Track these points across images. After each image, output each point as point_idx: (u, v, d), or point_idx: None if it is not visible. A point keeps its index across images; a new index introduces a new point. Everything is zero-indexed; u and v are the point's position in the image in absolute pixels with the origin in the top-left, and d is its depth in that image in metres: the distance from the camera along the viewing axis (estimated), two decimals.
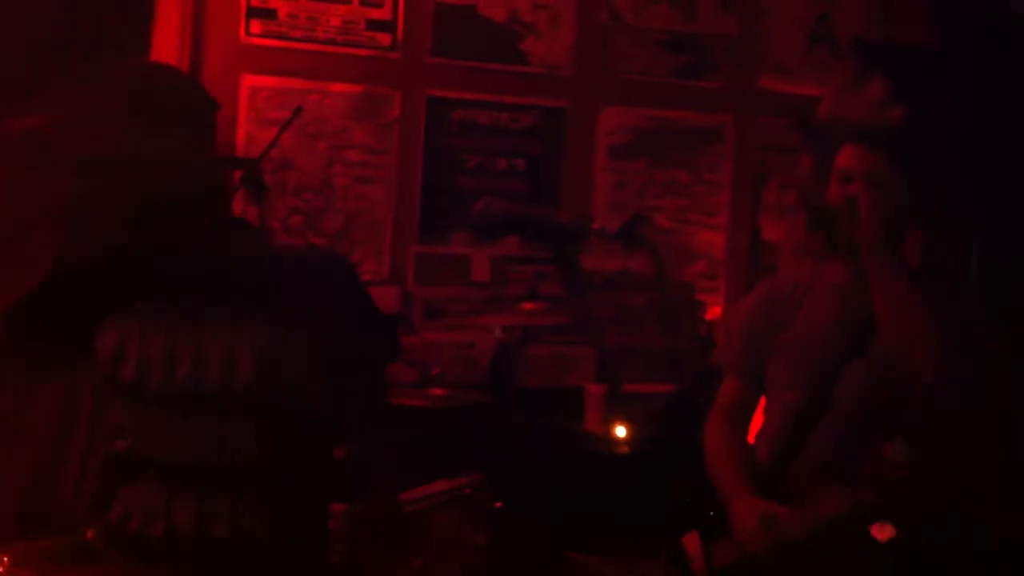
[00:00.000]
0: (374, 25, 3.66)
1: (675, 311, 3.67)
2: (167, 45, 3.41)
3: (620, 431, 3.19)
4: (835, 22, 3.98)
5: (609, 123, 3.84)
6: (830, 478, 2.03)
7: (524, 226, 3.48)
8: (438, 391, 3.32)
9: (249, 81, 3.57)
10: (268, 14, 3.59)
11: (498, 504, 2.75)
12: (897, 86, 2.94)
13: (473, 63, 3.75)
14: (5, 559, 2.53)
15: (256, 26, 3.59)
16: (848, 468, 1.99)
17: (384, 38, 3.67)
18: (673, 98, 3.88)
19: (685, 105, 3.89)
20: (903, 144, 2.36)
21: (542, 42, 3.78)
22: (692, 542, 2.18)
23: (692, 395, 3.28)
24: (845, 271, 2.20)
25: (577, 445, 3.26)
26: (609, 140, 3.84)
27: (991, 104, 4.01)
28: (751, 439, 2.35)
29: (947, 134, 4.12)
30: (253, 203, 1.99)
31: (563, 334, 3.58)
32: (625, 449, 3.22)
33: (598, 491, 3.08)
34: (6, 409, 3.29)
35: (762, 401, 2.37)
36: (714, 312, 3.76)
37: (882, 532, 1.94)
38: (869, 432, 1.99)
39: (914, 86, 3.01)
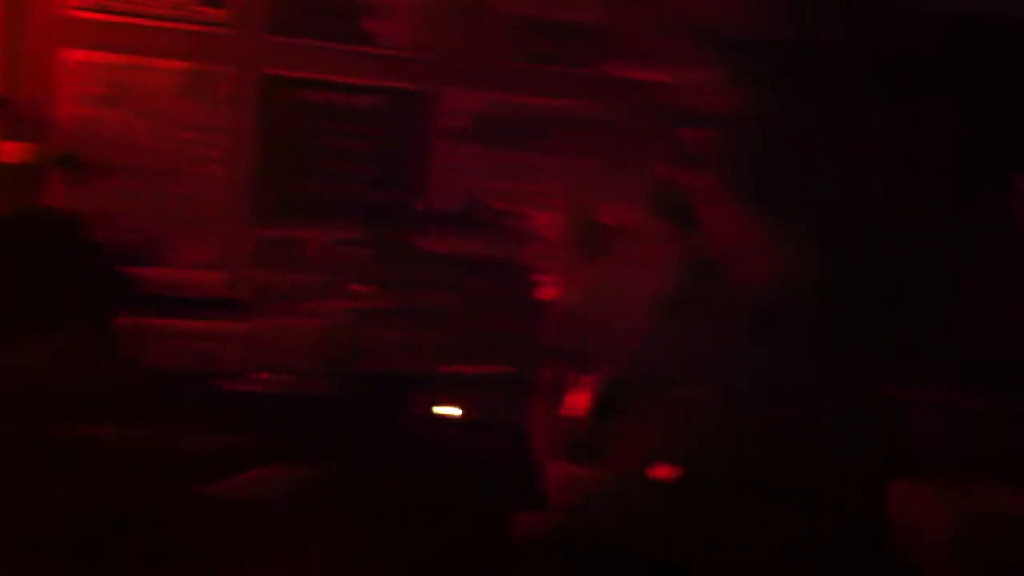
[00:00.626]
0: (207, 0, 3.56)
1: (515, 294, 3.66)
2: None
3: (453, 411, 3.18)
4: (686, 12, 4.03)
5: (455, 106, 3.80)
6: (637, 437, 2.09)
7: (365, 207, 3.45)
8: (273, 377, 3.25)
9: (70, 55, 3.43)
10: None
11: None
12: (743, 75, 2.98)
13: (315, 41, 3.67)
14: None
15: None
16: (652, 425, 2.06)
17: (217, 13, 3.56)
18: (521, 83, 3.87)
19: (531, 90, 3.88)
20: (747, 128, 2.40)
21: (386, 21, 3.72)
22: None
23: (532, 376, 3.28)
24: (670, 250, 2.23)
25: (417, 429, 3.23)
26: (454, 123, 3.80)
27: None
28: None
29: (790, 120, 4.18)
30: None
31: (403, 318, 3.54)
32: (466, 431, 3.21)
33: (438, 474, 3.06)
34: None
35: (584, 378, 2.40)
36: (553, 294, 3.76)
37: (666, 472, 2.02)
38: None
39: (762, 75, 3.05)
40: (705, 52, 3.36)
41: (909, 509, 2.49)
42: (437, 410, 3.21)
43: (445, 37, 3.82)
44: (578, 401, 2.33)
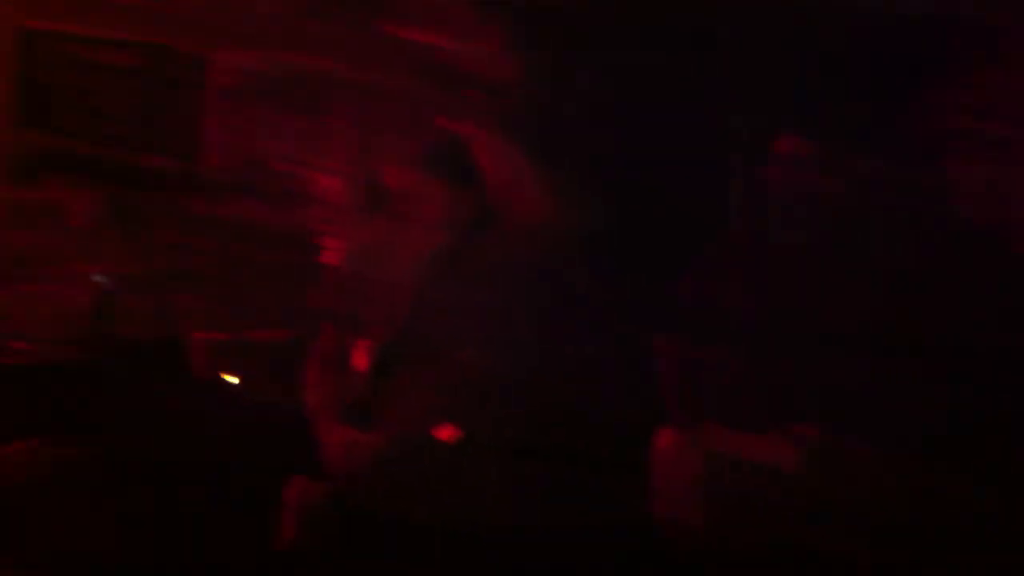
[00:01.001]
0: None
1: (295, 259, 3.56)
2: None
3: (232, 380, 3.07)
4: None
5: (222, 64, 3.65)
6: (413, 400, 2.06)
7: (130, 168, 3.29)
8: (25, 346, 3.06)
9: None
10: None
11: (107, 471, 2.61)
12: (519, 39, 2.96)
13: None
14: None
15: None
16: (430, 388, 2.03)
17: None
18: (292, 41, 3.75)
19: (304, 48, 3.77)
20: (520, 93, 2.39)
21: None
22: None
23: (310, 341, 3.21)
24: (439, 206, 2.20)
25: (187, 397, 3.11)
26: (222, 81, 3.65)
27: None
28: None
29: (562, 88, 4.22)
30: None
31: (169, 283, 3.39)
32: (239, 398, 3.10)
33: (214, 443, 2.96)
34: None
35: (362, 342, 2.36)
36: (336, 259, 3.68)
37: (447, 434, 2.01)
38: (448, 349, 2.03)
39: (543, 38, 3.03)
40: (484, 14, 3.35)
41: (663, 455, 2.61)
42: (208, 378, 3.09)
43: None
44: (355, 365, 2.27)
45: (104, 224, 3.39)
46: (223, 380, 3.11)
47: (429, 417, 2.06)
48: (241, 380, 3.09)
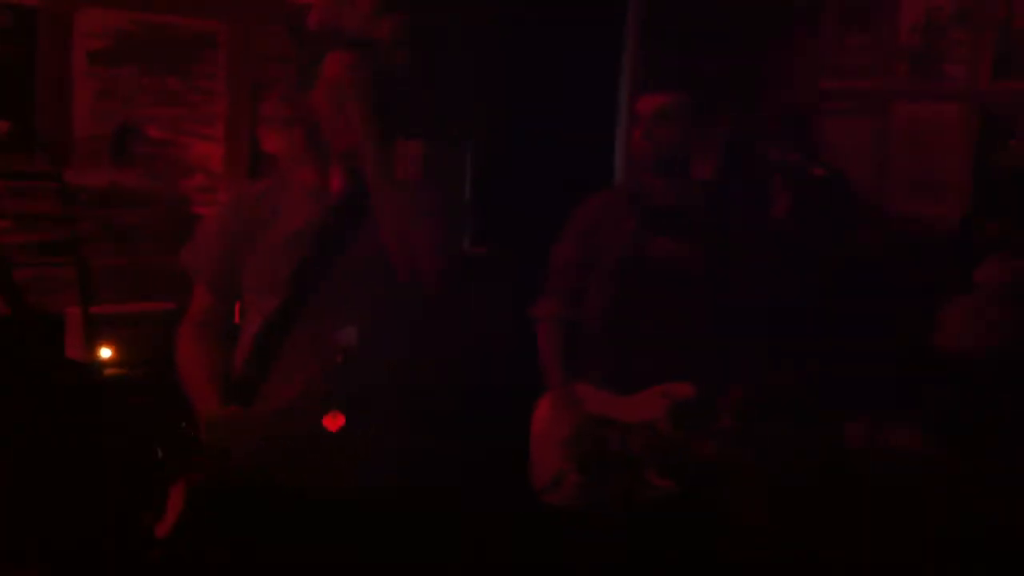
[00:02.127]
0: None
1: (171, 227, 3.49)
2: None
3: (105, 353, 3.00)
4: None
5: (89, 25, 3.53)
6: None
7: None
8: None
9: None
10: None
11: None
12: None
13: None
14: None
15: None
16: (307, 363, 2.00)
17: None
18: (161, 1, 3.65)
19: (174, 9, 3.67)
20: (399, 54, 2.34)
21: None
22: None
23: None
24: (317, 173, 2.17)
25: (57, 374, 3.02)
26: (90, 44, 3.53)
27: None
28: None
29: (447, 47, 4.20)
30: None
31: (43, 254, 3.29)
32: (114, 372, 3.04)
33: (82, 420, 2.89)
34: None
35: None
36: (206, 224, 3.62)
37: (333, 422, 1.98)
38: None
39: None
40: None
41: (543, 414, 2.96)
42: (84, 352, 3.01)
43: None
44: (242, 336, 2.23)
45: None
46: (95, 353, 3.03)
47: (306, 393, 2.04)
48: (117, 353, 3.02)
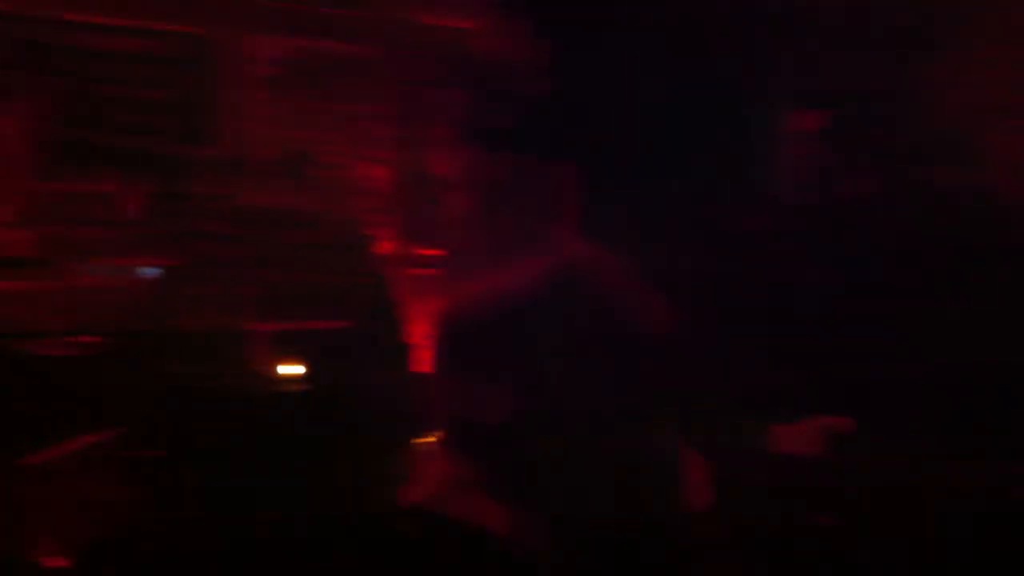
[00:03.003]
0: None
1: (343, 247, 3.57)
2: None
3: (288, 370, 3.07)
4: None
5: (261, 52, 3.65)
6: None
7: (179, 158, 3.28)
8: (86, 339, 3.05)
9: None
10: None
11: (157, 454, 2.60)
12: (546, 23, 2.95)
13: None
14: None
15: None
16: None
17: None
18: (324, 27, 3.76)
19: (339, 35, 3.77)
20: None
21: None
22: None
23: (364, 331, 3.23)
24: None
25: (240, 388, 3.10)
26: (263, 71, 3.65)
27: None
28: None
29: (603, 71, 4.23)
30: None
31: (222, 273, 3.39)
32: (294, 388, 3.11)
33: (271, 433, 2.96)
34: None
35: None
36: (384, 248, 3.69)
37: None
38: None
39: (567, 24, 3.02)
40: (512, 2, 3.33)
41: None
42: (269, 368, 3.10)
43: None
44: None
45: (153, 216, 3.39)
46: (277, 370, 3.11)
47: None
48: (299, 371, 3.09)
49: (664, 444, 3.03)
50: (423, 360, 3.45)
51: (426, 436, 2.62)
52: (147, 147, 3.48)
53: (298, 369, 3.05)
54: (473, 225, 3.59)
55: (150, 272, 3.34)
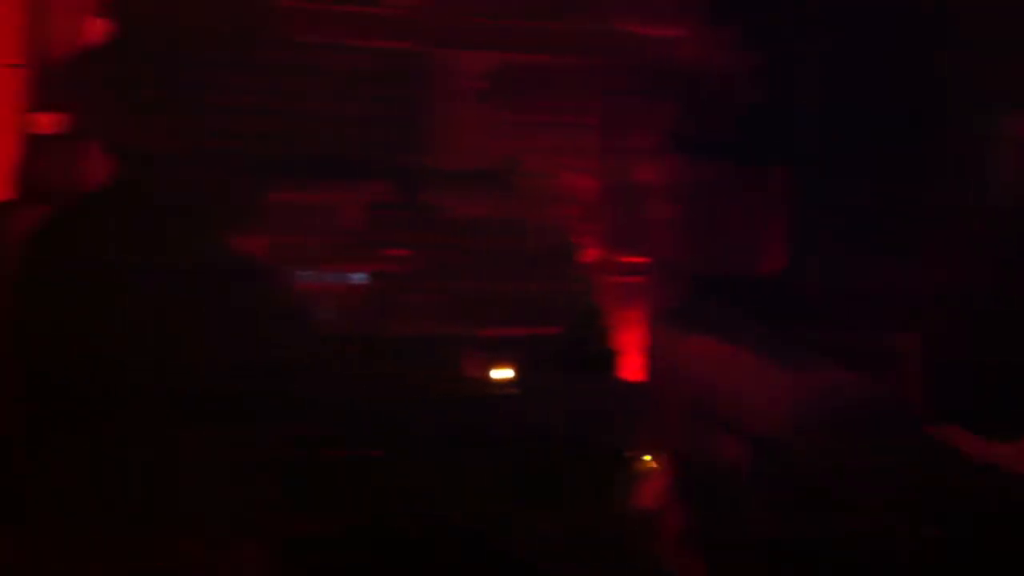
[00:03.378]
0: None
1: (549, 255, 3.63)
2: None
3: (501, 374, 3.14)
4: None
5: (472, 67, 3.76)
6: None
7: (393, 169, 3.40)
8: (308, 343, 3.19)
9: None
10: None
11: (378, 453, 2.70)
12: (754, 29, 2.93)
13: (325, 6, 3.63)
14: None
15: None
16: None
17: None
18: (533, 41, 3.83)
19: (545, 48, 3.84)
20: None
21: None
22: None
23: (571, 338, 3.27)
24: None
25: (450, 392, 3.20)
26: (472, 84, 3.76)
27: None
28: None
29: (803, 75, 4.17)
30: None
31: (436, 280, 3.51)
32: (503, 393, 3.18)
33: (478, 438, 3.04)
34: None
35: None
36: (589, 256, 3.74)
37: None
38: None
39: (773, 30, 3.00)
40: (717, 4, 3.32)
41: None
42: (481, 374, 3.18)
43: None
44: None
45: (371, 224, 3.52)
46: (486, 375, 3.19)
47: None
48: (507, 376, 3.16)
49: None
50: (629, 367, 3.49)
51: (636, 444, 2.64)
52: (364, 160, 3.62)
53: (507, 374, 3.13)
54: (680, 231, 3.60)
55: (365, 279, 3.47)
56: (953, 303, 2.87)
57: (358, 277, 3.46)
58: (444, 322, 3.38)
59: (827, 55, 4.24)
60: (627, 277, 3.87)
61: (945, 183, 4.38)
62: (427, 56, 3.74)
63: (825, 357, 2.21)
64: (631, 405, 3.02)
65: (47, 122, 3.10)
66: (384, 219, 3.57)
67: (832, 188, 4.22)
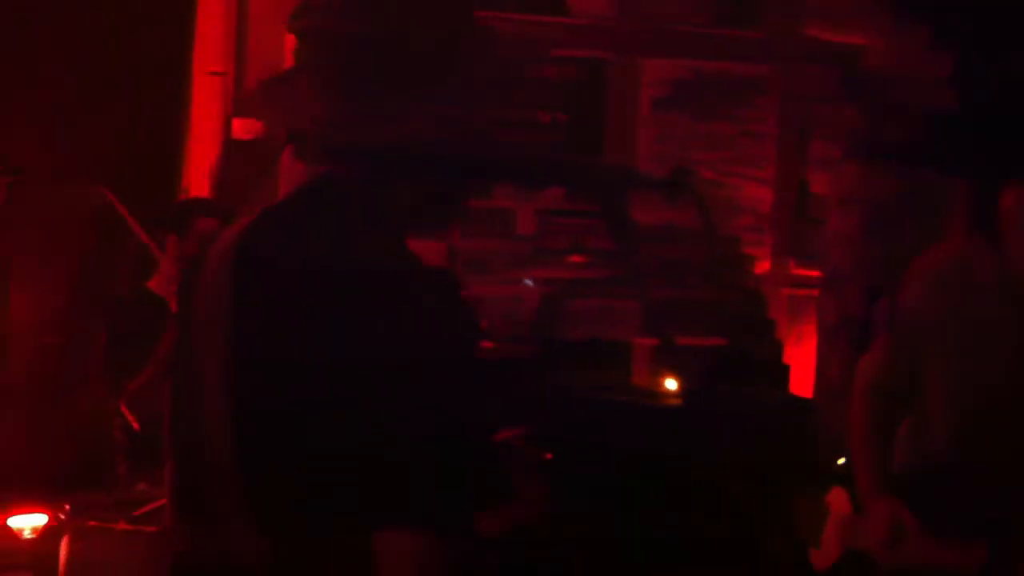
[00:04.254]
0: None
1: (721, 264, 3.63)
2: None
3: (670, 384, 3.16)
4: None
5: (651, 75, 3.79)
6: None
7: (570, 176, 3.44)
8: (486, 344, 3.28)
9: None
10: None
11: (548, 456, 2.74)
12: (944, 35, 2.86)
13: (515, 15, 3.71)
14: (66, 507, 2.57)
15: None
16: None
17: None
18: (715, 48, 3.83)
19: (728, 55, 3.84)
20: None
21: None
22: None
23: (740, 349, 3.26)
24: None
25: (625, 399, 3.22)
26: (651, 92, 3.79)
27: None
28: None
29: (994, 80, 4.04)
30: None
31: (608, 287, 3.55)
32: (675, 402, 3.19)
33: (648, 444, 3.05)
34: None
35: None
36: (761, 266, 3.73)
37: None
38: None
39: (963, 35, 2.92)
40: (907, 10, 3.25)
41: None
42: (649, 380, 3.21)
43: (643, 5, 3.81)
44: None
45: (554, 231, 3.59)
46: (658, 383, 3.20)
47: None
48: (679, 385, 3.18)
49: None
50: (801, 382, 3.46)
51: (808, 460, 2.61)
52: (543, 166, 3.68)
53: (673, 384, 3.14)
54: (858, 243, 3.54)
55: (539, 284, 3.53)
56: None
57: (536, 282, 3.52)
58: (615, 329, 3.42)
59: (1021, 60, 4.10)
60: (800, 289, 3.84)
61: None
62: (613, 64, 3.79)
63: None
64: (802, 420, 2.99)
65: (246, 128, 3.28)
66: (563, 226, 3.63)
67: None
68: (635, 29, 3.86)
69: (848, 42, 3.74)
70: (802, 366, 3.53)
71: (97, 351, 2.66)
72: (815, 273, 3.63)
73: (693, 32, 3.86)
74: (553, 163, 3.58)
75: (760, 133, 3.87)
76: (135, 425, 2.56)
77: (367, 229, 1.25)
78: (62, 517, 2.71)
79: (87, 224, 3.40)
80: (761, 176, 3.87)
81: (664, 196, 3.73)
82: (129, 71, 3.42)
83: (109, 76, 3.37)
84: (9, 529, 3.01)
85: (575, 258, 3.38)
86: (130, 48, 3.40)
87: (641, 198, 3.66)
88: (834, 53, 3.84)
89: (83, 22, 3.37)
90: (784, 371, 3.28)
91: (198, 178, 3.39)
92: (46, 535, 2.94)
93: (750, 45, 3.87)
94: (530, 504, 2.11)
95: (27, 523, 2.99)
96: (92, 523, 2.61)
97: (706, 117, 3.83)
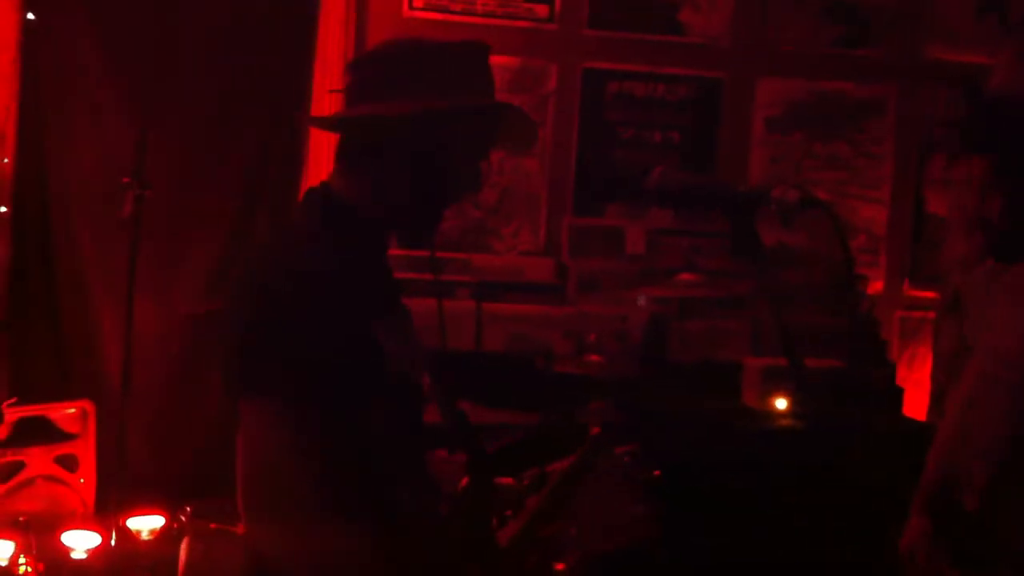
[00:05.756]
0: None
1: (836, 287, 3.60)
2: (333, 21, 3.49)
3: (781, 404, 3.13)
4: None
5: (766, 95, 3.78)
6: None
7: (701, 196, 3.45)
8: (595, 358, 3.31)
9: None
10: None
11: (656, 473, 2.74)
12: None
13: (630, 34, 3.73)
14: (187, 510, 2.66)
15: (419, 0, 3.64)
16: None
17: (541, 10, 3.66)
18: (833, 69, 3.81)
19: (845, 76, 3.82)
20: None
21: (700, 13, 3.73)
22: None
23: (855, 373, 3.21)
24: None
25: (735, 420, 3.21)
26: (766, 112, 3.78)
27: None
28: None
29: None
30: None
31: (718, 307, 3.55)
32: (786, 423, 3.16)
33: (758, 466, 3.03)
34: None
35: None
36: (875, 288, 3.68)
37: None
38: None
39: None
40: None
41: None
42: (760, 401, 3.19)
43: (757, 26, 3.80)
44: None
45: (663, 250, 3.60)
46: (770, 404, 3.18)
47: None
48: (790, 405, 3.15)
49: None
50: (916, 407, 3.40)
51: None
52: (658, 186, 3.69)
53: (785, 405, 3.12)
54: (969, 267, 3.46)
55: (650, 302, 3.53)
56: None
57: (648, 301, 3.53)
58: (725, 350, 3.41)
59: None
60: (914, 311, 3.78)
61: None
62: (729, 84, 3.79)
63: None
64: (915, 443, 2.94)
65: None
66: (674, 246, 3.63)
67: None
68: (752, 51, 3.86)
69: (969, 62, 3.69)
70: (916, 389, 3.48)
71: (219, 360, 2.75)
72: (929, 295, 3.57)
73: (812, 53, 3.84)
74: (686, 180, 3.58)
75: (876, 154, 3.83)
76: None
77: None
78: (183, 519, 2.80)
79: (213, 236, 3.53)
80: (877, 197, 3.82)
81: (781, 217, 3.70)
82: (260, 93, 3.54)
83: (242, 95, 3.49)
84: (128, 530, 3.14)
85: (686, 277, 3.38)
86: (260, 70, 3.52)
87: (759, 219, 3.64)
88: (954, 73, 3.78)
89: (220, 45, 3.49)
90: (898, 393, 3.23)
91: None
92: (164, 537, 3.04)
93: (868, 65, 3.83)
94: (642, 522, 2.12)
95: (145, 525, 3.11)
96: (213, 525, 2.70)
97: (821, 137, 3.81)
